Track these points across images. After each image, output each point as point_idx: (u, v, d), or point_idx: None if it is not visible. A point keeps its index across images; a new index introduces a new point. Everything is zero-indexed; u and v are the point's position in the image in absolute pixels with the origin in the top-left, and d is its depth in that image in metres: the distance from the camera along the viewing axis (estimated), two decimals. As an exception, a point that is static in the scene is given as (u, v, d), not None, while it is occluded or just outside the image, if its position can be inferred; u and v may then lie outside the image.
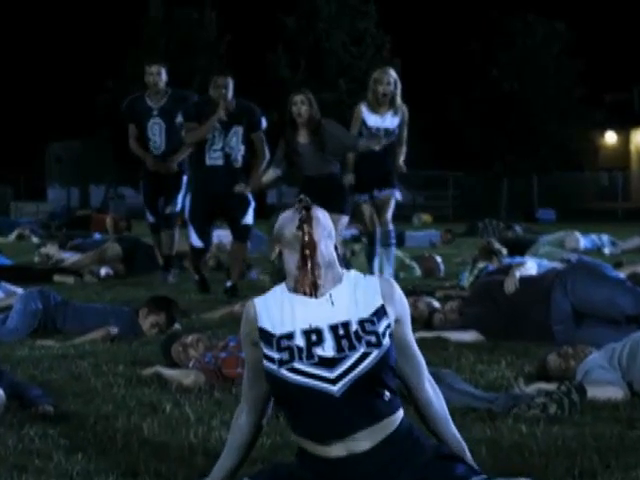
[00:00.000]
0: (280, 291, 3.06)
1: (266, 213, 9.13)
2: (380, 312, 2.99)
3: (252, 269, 10.75)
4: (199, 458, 3.68)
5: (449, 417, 3.13)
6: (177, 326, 6.69)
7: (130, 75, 34.04)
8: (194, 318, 7.48)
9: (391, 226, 9.25)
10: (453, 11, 48.38)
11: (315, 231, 2.99)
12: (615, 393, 4.61)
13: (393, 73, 9.18)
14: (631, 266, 9.37)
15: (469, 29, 41.77)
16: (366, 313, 2.97)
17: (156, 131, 10.07)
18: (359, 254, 10.85)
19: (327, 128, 8.57)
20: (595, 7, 48.91)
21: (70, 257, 11.89)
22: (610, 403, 4.51)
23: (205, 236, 9.24)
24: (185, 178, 10.16)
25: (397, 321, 3.03)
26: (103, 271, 10.67)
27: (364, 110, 9.12)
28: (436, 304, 7.18)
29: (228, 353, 5.05)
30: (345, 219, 8.72)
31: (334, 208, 7.51)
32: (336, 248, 3.08)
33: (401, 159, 9.27)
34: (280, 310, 3.00)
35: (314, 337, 2.94)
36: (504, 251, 10.44)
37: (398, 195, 9.31)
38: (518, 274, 6.56)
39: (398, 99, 9.15)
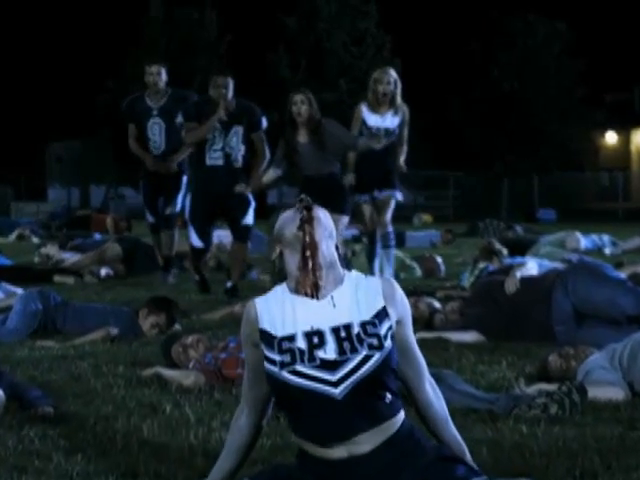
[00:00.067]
0: (281, 292, 3.03)
1: (266, 213, 9.09)
2: (382, 314, 2.97)
3: (252, 269, 10.74)
4: (199, 459, 3.67)
5: (449, 418, 3.11)
6: (177, 327, 6.68)
7: (130, 75, 34.05)
8: (194, 319, 7.47)
9: (390, 228, 9.25)
10: (453, 11, 48.44)
11: (316, 231, 2.97)
12: (616, 394, 4.61)
13: (393, 73, 9.18)
14: (632, 266, 9.35)
15: (469, 29, 41.82)
16: (368, 315, 2.95)
17: (156, 131, 10.06)
18: (360, 254, 10.84)
19: (327, 128, 8.57)
20: (596, 7, 48.98)
21: (70, 257, 11.88)
22: (611, 404, 4.50)
23: (205, 236, 9.22)
24: (185, 178, 10.16)
25: (398, 322, 3.02)
26: (103, 271, 10.67)
27: (364, 110, 9.12)
28: (437, 304, 7.17)
29: (228, 354, 5.05)
30: (345, 219, 8.72)
31: (334, 208, 7.47)
32: (337, 248, 3.05)
33: (402, 159, 9.27)
34: (281, 311, 2.98)
35: (316, 339, 2.91)
36: (505, 251, 10.45)
37: (399, 196, 9.30)
38: (519, 274, 6.56)
39: (398, 99, 9.15)
